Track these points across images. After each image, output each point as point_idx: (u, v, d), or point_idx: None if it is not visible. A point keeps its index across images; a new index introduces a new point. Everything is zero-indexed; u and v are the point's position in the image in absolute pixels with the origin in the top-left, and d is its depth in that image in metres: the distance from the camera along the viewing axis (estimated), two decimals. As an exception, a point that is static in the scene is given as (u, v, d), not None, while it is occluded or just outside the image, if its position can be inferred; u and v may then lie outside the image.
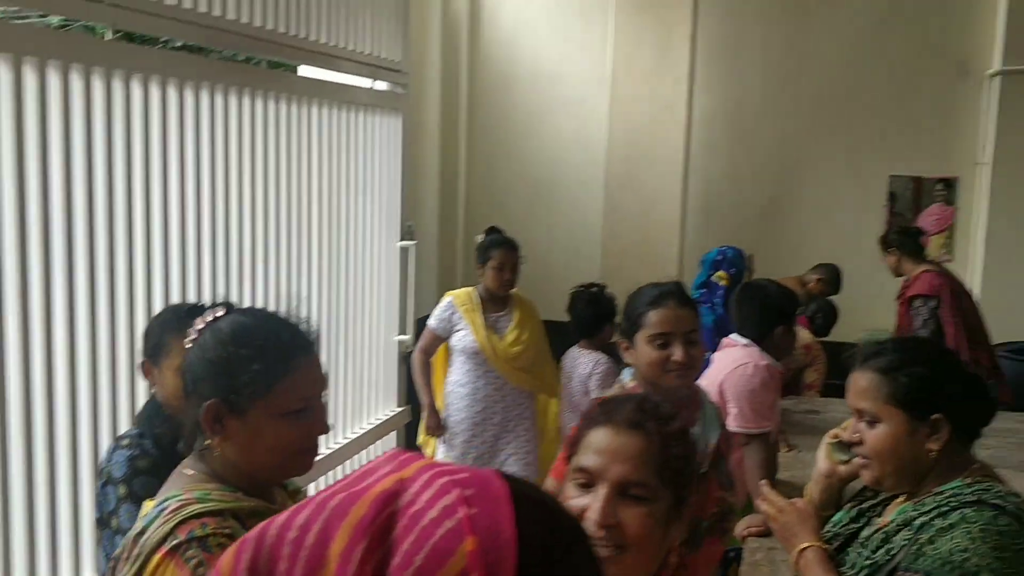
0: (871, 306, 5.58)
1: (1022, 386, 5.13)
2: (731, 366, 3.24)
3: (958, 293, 5.02)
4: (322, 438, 1.71)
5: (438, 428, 4.43)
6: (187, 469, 1.64)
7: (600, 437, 1.45)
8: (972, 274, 6.12)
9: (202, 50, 4.09)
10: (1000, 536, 1.68)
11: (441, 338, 4.43)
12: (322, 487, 0.77)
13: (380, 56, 4.78)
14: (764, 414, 3.16)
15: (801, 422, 4.43)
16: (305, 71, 4.53)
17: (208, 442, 1.61)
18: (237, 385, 1.56)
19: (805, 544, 1.95)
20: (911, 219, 6.25)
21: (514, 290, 4.47)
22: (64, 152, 2.75)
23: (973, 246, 6.13)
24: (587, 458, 1.45)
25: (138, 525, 1.58)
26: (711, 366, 3.37)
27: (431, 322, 4.45)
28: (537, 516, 0.70)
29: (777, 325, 3.30)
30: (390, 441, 5.04)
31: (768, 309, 3.33)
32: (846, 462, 2.03)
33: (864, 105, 6.20)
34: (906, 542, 1.77)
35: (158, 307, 3.10)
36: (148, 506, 1.62)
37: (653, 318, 2.33)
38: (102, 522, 2.18)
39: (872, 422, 1.86)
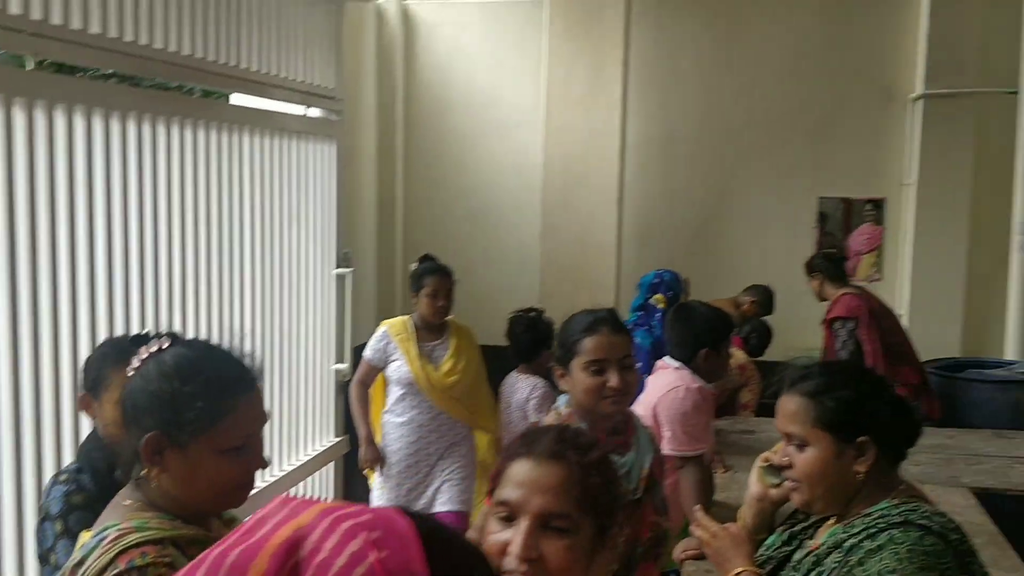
0: (804, 325, 5.68)
1: (950, 402, 5.24)
2: (664, 389, 3.26)
3: (876, 313, 5.16)
4: (259, 471, 1.71)
5: (374, 461, 4.35)
6: (124, 499, 1.63)
7: (520, 469, 1.44)
8: (901, 292, 6.27)
9: (134, 80, 4.04)
10: (926, 556, 1.71)
11: (377, 368, 4.37)
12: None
13: (313, 83, 4.76)
14: (697, 436, 3.19)
15: (737, 442, 4.47)
16: (238, 99, 4.49)
17: (145, 472, 1.61)
18: (180, 420, 1.56)
19: (739, 569, 1.96)
20: (842, 239, 6.38)
21: (450, 317, 4.43)
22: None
23: (902, 265, 6.27)
24: (508, 491, 1.43)
25: (76, 555, 1.57)
26: (645, 389, 3.39)
27: (367, 353, 4.40)
28: (446, 554, 0.69)
29: (702, 347, 3.32)
30: (328, 473, 4.98)
31: (693, 332, 3.35)
32: (777, 485, 2.05)
33: (794, 129, 6.33)
34: (836, 564, 1.79)
35: (86, 339, 3.05)
36: (85, 536, 1.61)
37: (588, 345, 2.34)
38: (43, 559, 2.17)
39: (801, 446, 1.88)
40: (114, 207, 3.26)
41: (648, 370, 3.63)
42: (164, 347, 1.63)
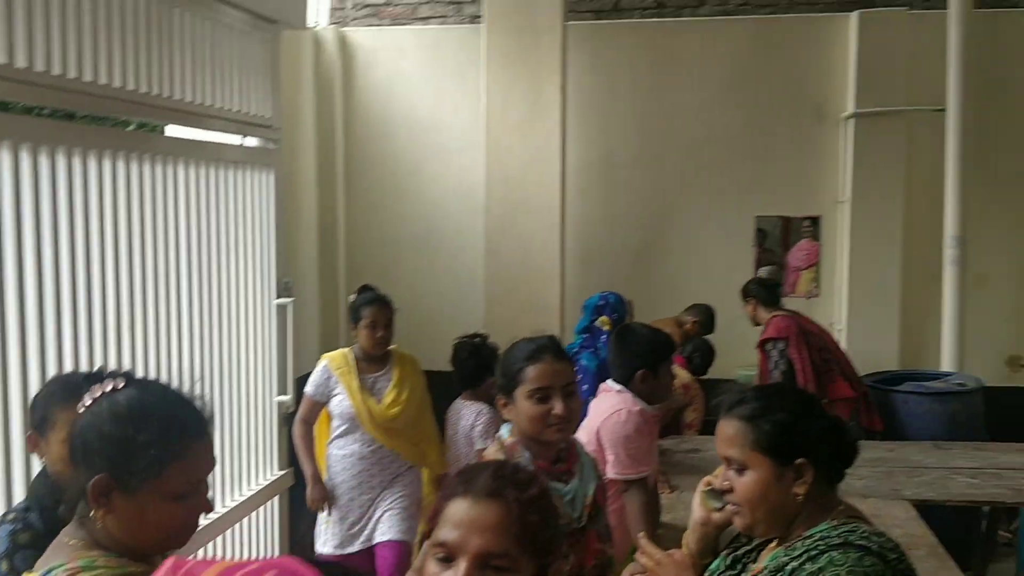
0: (746, 343, 5.75)
1: (890, 415, 5.34)
2: (606, 413, 3.27)
3: (805, 331, 5.31)
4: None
5: (322, 499, 4.25)
6: (68, 538, 1.61)
7: (458, 509, 1.43)
8: (840, 307, 6.38)
9: (65, 114, 3.96)
10: (866, 577, 1.73)
11: (320, 403, 4.29)
12: (200, 557, 0.73)
13: (249, 112, 4.71)
14: (640, 459, 3.20)
15: (682, 462, 4.51)
16: (173, 130, 4.43)
17: (92, 513, 1.59)
18: (130, 467, 1.56)
19: (684, 595, 1.96)
20: (781, 255, 6.48)
21: (393, 346, 4.38)
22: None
23: (839, 280, 6.39)
24: (446, 531, 1.41)
25: None
26: (588, 413, 3.40)
27: (308, 389, 4.32)
28: None
29: (639, 369, 3.33)
30: (273, 507, 4.90)
31: (631, 354, 3.36)
32: (720, 509, 2.06)
33: (731, 150, 6.43)
34: (779, 587, 1.81)
35: (16, 375, 2.99)
36: None
37: (531, 373, 2.34)
38: None
39: (740, 469, 1.90)
40: (44, 245, 3.19)
41: (594, 392, 3.64)
42: (119, 387, 1.62)
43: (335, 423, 4.28)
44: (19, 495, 2.87)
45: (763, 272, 6.46)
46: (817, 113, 6.35)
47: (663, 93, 6.46)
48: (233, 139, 4.65)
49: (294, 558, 0.70)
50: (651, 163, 6.50)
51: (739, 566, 2.02)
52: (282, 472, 4.92)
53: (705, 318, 5.89)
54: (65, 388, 2.16)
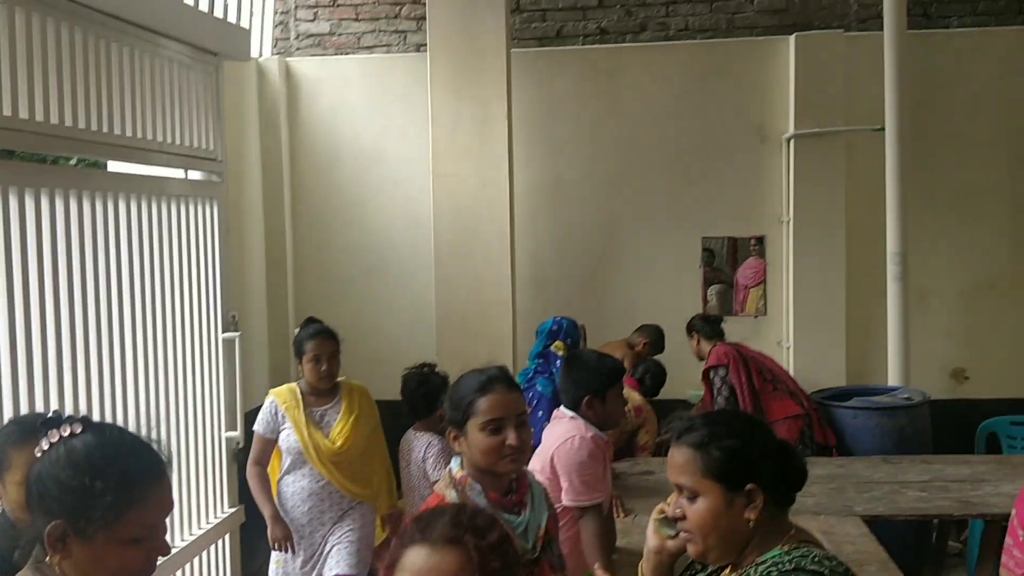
0: (696, 363, 5.77)
1: (838, 430, 5.39)
2: (559, 439, 3.26)
3: (744, 357, 5.43)
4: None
5: (285, 537, 4.13)
6: None
7: (416, 557, 1.39)
8: (787, 325, 6.46)
9: (7, 152, 3.89)
10: (818, 602, 1.74)
11: (271, 441, 4.20)
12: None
13: (192, 145, 4.67)
14: (594, 485, 3.19)
15: (636, 484, 4.51)
16: (115, 166, 4.37)
17: (48, 558, 1.59)
18: (87, 514, 1.57)
19: (639, 625, 1.96)
20: (729, 274, 6.55)
21: (342, 378, 4.31)
22: None
23: (785, 298, 6.47)
24: None
25: None
26: (542, 440, 3.39)
27: (257, 428, 4.23)
28: None
29: (585, 396, 3.32)
30: (225, 545, 4.81)
31: (576, 380, 3.34)
32: (673, 537, 2.06)
33: (675, 172, 6.49)
34: (733, 614, 1.81)
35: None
36: None
37: (483, 405, 2.32)
38: None
39: (692, 497, 1.90)
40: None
41: (549, 418, 3.63)
42: (75, 432, 1.62)
43: (284, 458, 4.21)
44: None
45: (711, 292, 6.53)
46: (759, 135, 6.45)
47: (608, 118, 6.52)
48: (176, 173, 4.60)
49: None
50: (598, 187, 6.55)
51: (694, 593, 2.02)
52: (233, 509, 4.84)
53: (655, 338, 5.93)
54: (21, 430, 2.15)
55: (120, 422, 3.94)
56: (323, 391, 4.22)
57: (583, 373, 3.34)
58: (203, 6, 5.09)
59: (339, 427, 4.17)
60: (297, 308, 6.53)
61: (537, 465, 3.27)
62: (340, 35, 6.81)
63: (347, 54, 6.79)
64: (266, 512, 4.17)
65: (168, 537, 3.91)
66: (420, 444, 4.29)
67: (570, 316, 5.27)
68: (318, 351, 4.14)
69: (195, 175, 4.76)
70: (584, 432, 3.24)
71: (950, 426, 5.64)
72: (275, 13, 6.71)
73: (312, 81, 6.67)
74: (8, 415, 3.20)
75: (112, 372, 3.93)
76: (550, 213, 6.56)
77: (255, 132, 6.34)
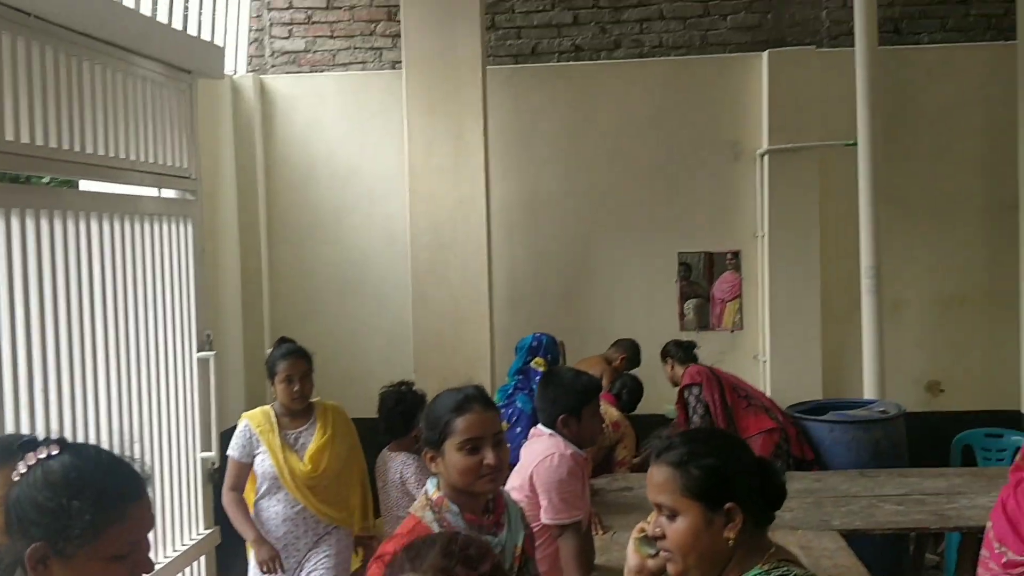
0: (673, 379, 5.78)
1: (816, 444, 5.41)
2: (538, 457, 3.24)
3: (716, 374, 5.48)
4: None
5: (272, 558, 3.99)
6: None
7: None
8: (763, 339, 6.48)
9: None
10: (799, 619, 1.74)
11: (246, 465, 4.10)
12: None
13: (166, 163, 4.64)
14: (573, 503, 3.18)
15: (615, 501, 4.50)
16: (88, 184, 4.33)
17: None
18: (67, 534, 1.56)
19: (620, 645, 1.94)
20: (706, 288, 6.57)
21: (316, 398, 4.24)
22: None
23: (761, 313, 6.50)
24: None
25: None
26: (521, 458, 3.37)
27: (232, 452, 4.13)
28: None
29: (560, 414, 3.29)
30: (200, 567, 4.75)
31: (552, 399, 3.32)
32: (653, 556, 2.05)
33: (651, 188, 6.52)
34: (713, 633, 1.80)
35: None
36: None
37: (461, 424, 2.30)
38: None
39: (672, 515, 1.90)
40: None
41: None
42: (52, 454, 1.62)
43: (259, 482, 4.12)
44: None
45: (688, 306, 6.55)
46: (733, 150, 6.49)
47: (584, 134, 6.55)
48: (150, 191, 4.57)
49: None
50: (575, 203, 6.56)
51: (675, 612, 2.01)
52: (208, 531, 4.79)
53: (632, 353, 5.95)
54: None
55: (95, 443, 3.89)
56: (297, 412, 4.13)
57: (558, 391, 3.33)
58: (177, 24, 5.08)
59: (313, 448, 4.09)
60: (273, 326, 6.49)
61: (516, 483, 3.26)
62: (315, 52, 6.80)
63: (322, 71, 6.78)
64: (249, 536, 4.05)
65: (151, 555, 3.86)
66: (396, 464, 4.25)
67: (548, 332, 5.26)
68: (290, 371, 4.06)
69: (169, 193, 4.73)
70: (563, 450, 3.23)
71: (926, 439, 5.68)
72: (250, 30, 6.70)
73: (287, 98, 6.65)
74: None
75: (85, 392, 3.89)
76: (527, 229, 6.56)
77: (230, 149, 6.31)
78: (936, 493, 4.45)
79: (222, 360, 5.23)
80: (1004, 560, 3.11)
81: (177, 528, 4.58)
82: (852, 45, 5.98)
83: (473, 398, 2.36)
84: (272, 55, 6.80)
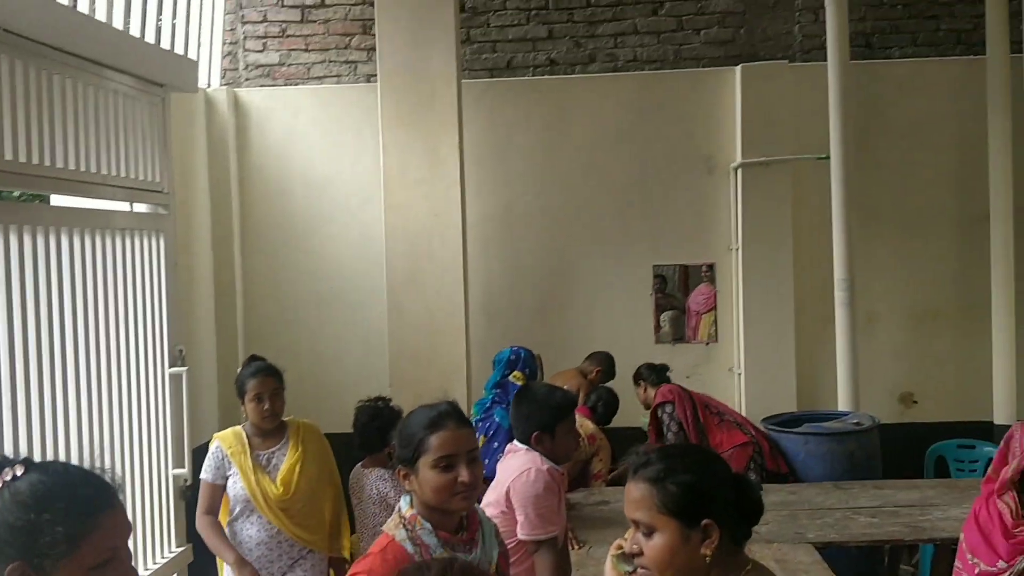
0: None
1: (790, 456, 5.42)
2: (515, 473, 3.23)
3: (689, 393, 5.51)
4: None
5: None
6: None
7: None
8: (737, 352, 6.51)
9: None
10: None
11: (221, 487, 4.00)
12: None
13: (138, 178, 4.60)
14: (549, 518, 3.16)
15: (592, 515, 4.49)
16: (60, 199, 4.29)
17: None
18: (42, 550, 1.56)
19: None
20: (682, 300, 6.60)
21: (290, 417, 4.15)
22: None
23: (736, 325, 6.53)
24: None
25: None
26: (497, 474, 3.36)
27: (205, 475, 4.03)
28: None
29: (533, 431, 3.26)
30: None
31: (525, 416, 3.30)
32: (631, 573, 2.05)
33: (626, 201, 6.54)
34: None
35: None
36: None
37: (435, 441, 2.28)
38: None
39: (649, 532, 1.89)
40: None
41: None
42: (18, 475, 1.61)
43: (232, 505, 4.02)
44: None
45: (664, 318, 6.57)
46: (707, 164, 6.53)
47: (559, 147, 6.57)
48: (122, 206, 4.53)
49: None
50: (550, 215, 6.57)
51: (652, 629, 2.00)
52: (181, 548, 4.73)
53: (606, 365, 5.95)
54: None
55: (64, 460, 3.84)
56: (269, 432, 4.04)
57: (532, 408, 3.31)
58: (150, 37, 5.04)
59: (284, 471, 3.99)
60: (247, 341, 6.44)
61: (492, 498, 3.24)
62: (290, 65, 6.78)
63: (297, 84, 6.76)
64: (229, 559, 3.94)
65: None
66: (372, 479, 4.21)
67: (525, 345, 5.25)
68: (260, 389, 3.97)
69: (141, 207, 4.69)
70: (540, 465, 3.22)
71: (900, 450, 5.72)
72: (223, 44, 6.67)
73: (262, 111, 6.63)
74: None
75: (55, 409, 3.83)
76: (502, 242, 6.57)
77: (203, 163, 6.27)
78: (910, 505, 4.48)
79: (195, 375, 5.18)
80: (977, 571, 3.14)
81: (150, 546, 4.52)
82: (824, 59, 6.04)
83: (447, 415, 2.34)
84: (246, 68, 6.77)
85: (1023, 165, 5.83)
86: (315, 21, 6.75)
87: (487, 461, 4.37)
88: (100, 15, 4.62)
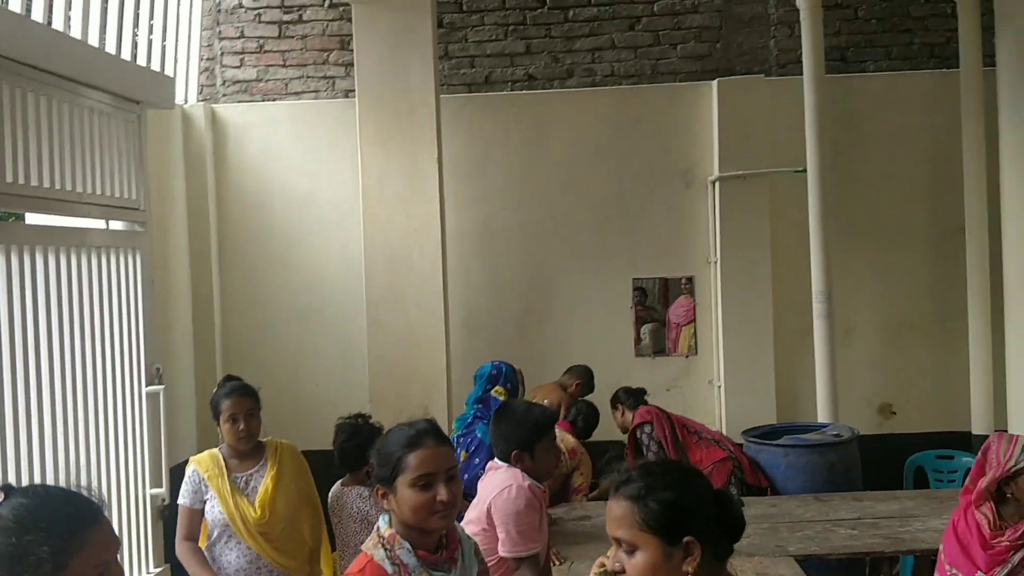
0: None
1: (771, 469, 5.43)
2: (496, 489, 3.21)
3: (667, 413, 5.51)
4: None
5: None
6: None
7: None
8: (717, 364, 6.53)
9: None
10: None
11: (199, 512, 3.89)
12: None
13: (114, 195, 4.57)
14: (531, 536, 3.14)
15: (574, 531, 4.48)
16: (35, 218, 4.25)
17: None
18: (30, 571, 1.57)
19: None
20: (662, 312, 6.61)
21: (268, 438, 4.06)
22: None
23: (715, 338, 6.55)
24: None
25: None
26: (479, 491, 3.34)
27: (182, 500, 3.91)
28: None
29: (513, 450, 3.24)
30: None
31: (504, 434, 3.28)
32: (614, 590, 2.04)
33: (605, 215, 6.56)
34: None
35: None
36: None
37: (413, 460, 2.26)
38: None
39: (631, 550, 1.89)
40: None
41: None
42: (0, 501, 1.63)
43: (210, 530, 3.91)
44: None
45: (644, 331, 6.58)
46: (684, 178, 6.56)
47: (538, 162, 6.58)
48: (97, 223, 4.50)
49: None
50: (529, 229, 6.58)
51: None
52: (158, 569, 4.69)
53: (585, 379, 5.94)
54: None
55: (40, 480, 3.80)
56: (246, 453, 3.94)
57: (510, 427, 3.28)
58: (126, 54, 5.02)
59: (263, 494, 3.89)
60: (225, 358, 6.40)
61: (473, 515, 3.22)
62: (267, 81, 6.76)
63: (274, 100, 6.74)
64: None
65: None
66: (352, 498, 4.17)
67: (506, 359, 5.24)
68: (234, 410, 3.86)
69: (117, 225, 4.66)
70: (521, 481, 3.20)
71: (879, 461, 5.74)
72: (201, 59, 6.65)
73: (239, 127, 6.60)
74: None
75: (30, 428, 3.79)
76: (482, 256, 6.57)
77: (181, 179, 6.24)
78: (889, 516, 4.50)
79: (172, 394, 5.15)
80: (956, 583, 3.15)
81: (127, 567, 4.47)
82: (800, 73, 6.09)
83: (425, 433, 2.32)
84: (224, 84, 6.75)
85: (997, 176, 5.87)
86: (293, 36, 6.74)
87: (467, 477, 4.36)
88: (75, 32, 4.59)
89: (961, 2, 6.16)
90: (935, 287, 6.52)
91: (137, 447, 4.64)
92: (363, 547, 2.32)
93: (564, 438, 5.17)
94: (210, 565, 3.88)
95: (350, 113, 6.02)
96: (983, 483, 3.28)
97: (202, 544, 3.95)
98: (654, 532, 1.86)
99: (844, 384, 6.05)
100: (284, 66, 6.75)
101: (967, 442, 6.08)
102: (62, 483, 1.74)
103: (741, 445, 5.56)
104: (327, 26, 6.72)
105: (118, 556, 1.70)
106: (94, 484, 4.16)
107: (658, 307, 6.64)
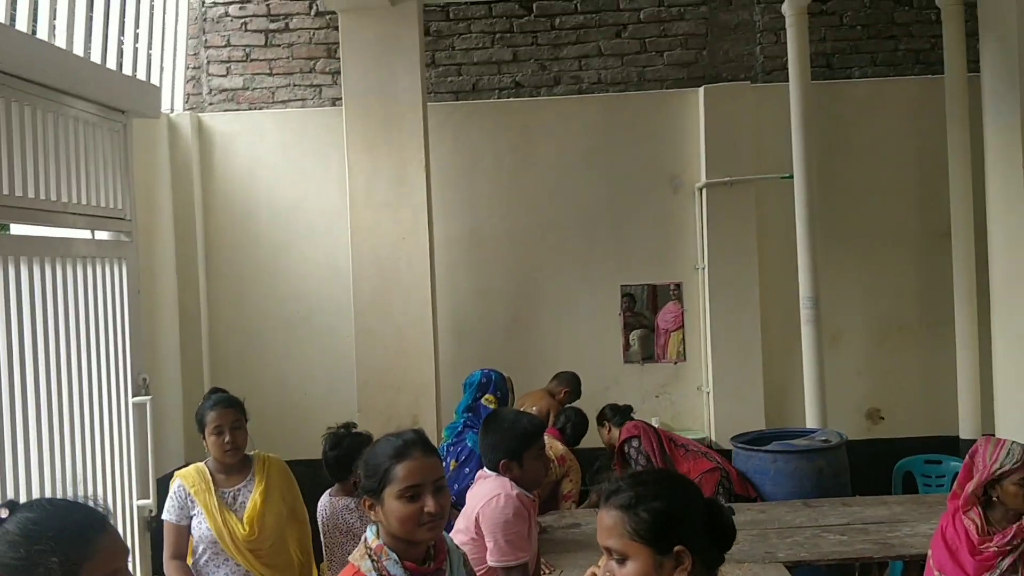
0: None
1: (759, 475, 5.44)
2: (484, 499, 3.20)
3: (652, 428, 5.51)
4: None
5: None
6: None
7: None
8: (706, 370, 6.54)
9: None
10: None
11: (186, 528, 3.82)
12: None
13: (100, 205, 4.55)
14: (520, 545, 3.13)
15: (564, 539, 4.46)
16: (20, 228, 4.22)
17: None
18: None
19: None
20: (651, 318, 6.62)
21: (255, 451, 3.99)
22: None
23: (703, 344, 6.56)
24: None
25: None
26: (468, 499, 3.33)
27: (168, 516, 3.84)
28: None
29: (501, 459, 3.23)
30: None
31: (491, 443, 3.27)
32: (604, 601, 2.03)
33: (593, 222, 6.57)
34: None
35: None
36: None
37: (401, 472, 2.24)
38: None
39: (621, 560, 1.88)
40: None
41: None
42: (3, 517, 1.63)
43: (196, 546, 3.83)
44: None
45: (633, 337, 6.59)
46: (672, 184, 6.58)
47: (525, 169, 6.58)
48: (83, 233, 4.47)
49: None
50: (517, 236, 6.58)
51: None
52: (146, 581, 4.65)
53: (573, 386, 5.94)
54: None
55: (26, 493, 3.77)
56: (233, 467, 3.87)
57: (498, 436, 3.27)
58: (111, 63, 5.00)
59: (250, 510, 3.82)
60: (212, 368, 6.38)
61: (462, 525, 3.22)
62: (254, 90, 6.75)
63: (261, 108, 6.73)
64: None
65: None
66: (339, 508, 4.15)
67: (495, 367, 5.23)
68: (220, 422, 3.79)
69: (103, 235, 4.63)
70: (509, 490, 3.19)
71: (868, 466, 5.76)
72: (187, 68, 6.63)
73: (226, 136, 6.59)
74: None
75: (15, 440, 3.76)
76: (470, 264, 6.56)
77: (167, 188, 6.22)
78: (879, 522, 4.50)
79: (159, 404, 5.12)
80: (945, 589, 3.15)
81: (113, 579, 4.43)
82: (786, 80, 6.12)
83: (413, 443, 2.30)
84: (210, 93, 6.74)
85: (982, 181, 5.91)
86: (279, 45, 6.74)
87: (457, 487, 4.34)
88: (60, 41, 4.58)
89: (945, 9, 6.20)
90: (922, 292, 6.55)
91: (124, 458, 4.61)
92: (350, 558, 2.30)
93: (553, 445, 5.17)
94: None
95: (337, 121, 6.02)
96: (970, 487, 3.29)
97: (188, 561, 3.88)
98: (645, 541, 1.85)
99: (832, 389, 6.07)
100: (271, 74, 6.74)
101: (955, 446, 6.10)
102: (48, 495, 1.73)
103: (729, 455, 5.56)
104: (313, 34, 6.72)
105: (127, 564, 1.71)
106: (80, 494, 4.16)
107: (647, 313, 6.65)
